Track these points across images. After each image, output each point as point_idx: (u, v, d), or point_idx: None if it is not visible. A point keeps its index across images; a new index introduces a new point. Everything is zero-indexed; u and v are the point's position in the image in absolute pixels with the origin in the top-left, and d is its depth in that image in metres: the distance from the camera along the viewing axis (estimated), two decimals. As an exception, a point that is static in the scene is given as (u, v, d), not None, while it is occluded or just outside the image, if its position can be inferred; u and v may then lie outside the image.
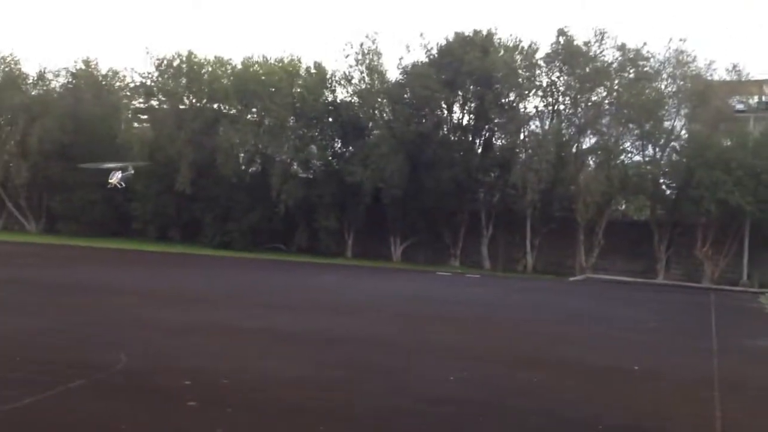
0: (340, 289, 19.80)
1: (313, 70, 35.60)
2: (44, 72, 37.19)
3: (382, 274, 27.39)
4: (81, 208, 34.60)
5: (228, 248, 32.60)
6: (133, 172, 31.36)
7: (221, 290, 17.51)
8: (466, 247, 33.77)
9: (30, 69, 38.25)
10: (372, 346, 10.34)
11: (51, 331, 9.93)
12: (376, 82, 34.71)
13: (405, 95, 33.97)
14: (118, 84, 37.81)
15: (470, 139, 35.03)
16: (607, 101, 32.64)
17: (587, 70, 32.13)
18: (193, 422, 5.87)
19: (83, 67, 37.12)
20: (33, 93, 36.97)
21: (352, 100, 35.34)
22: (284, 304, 15.35)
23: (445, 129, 34.78)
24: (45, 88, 37.47)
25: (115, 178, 29.90)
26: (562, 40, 32.32)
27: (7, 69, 36.71)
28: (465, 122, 35.02)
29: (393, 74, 35.52)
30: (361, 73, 34.85)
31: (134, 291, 15.95)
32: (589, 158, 32.72)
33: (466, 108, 34.78)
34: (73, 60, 37.58)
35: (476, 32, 34.28)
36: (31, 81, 37.40)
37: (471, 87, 33.57)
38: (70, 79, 37.27)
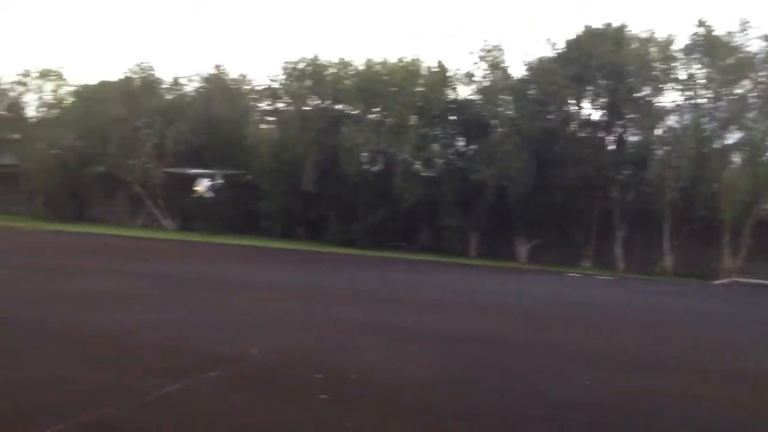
0: (465, 289, 19.68)
1: (434, 69, 36.11)
2: (178, 78, 39.84)
3: (507, 274, 27.19)
4: (211, 207, 36.60)
5: (351, 246, 33.42)
6: (222, 181, 32.96)
7: (347, 287, 17.97)
8: (598, 247, 32.96)
9: (165, 75, 40.93)
10: (501, 347, 10.22)
11: (188, 323, 10.52)
12: (499, 78, 34.74)
13: (530, 91, 33.71)
14: (246, 87, 39.77)
15: (601, 135, 34.26)
16: (752, 94, 31.11)
17: (730, 61, 30.77)
18: (324, 415, 6.09)
19: (214, 72, 39.44)
20: (168, 97, 39.63)
21: (475, 98, 35.52)
22: (410, 302, 15.42)
23: (574, 125, 34.24)
24: (179, 92, 40.06)
25: (202, 186, 31.59)
26: (701, 31, 31.18)
27: (144, 75, 39.52)
28: (595, 118, 34.32)
29: (516, 70, 35.57)
30: (484, 70, 35.06)
31: (264, 286, 16.68)
32: (734, 154, 31.16)
33: (596, 103, 34.04)
34: (205, 65, 39.69)
35: (607, 25, 33.60)
36: (166, 86, 40.07)
37: (601, 82, 32.94)
38: (202, 84, 39.63)
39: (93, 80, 41.29)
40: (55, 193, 38.84)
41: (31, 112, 42.05)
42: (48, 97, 41.33)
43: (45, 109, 41.43)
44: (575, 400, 7.12)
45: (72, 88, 41.19)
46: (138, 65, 39.50)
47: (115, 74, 40.53)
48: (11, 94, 41.65)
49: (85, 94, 40.07)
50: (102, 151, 38.00)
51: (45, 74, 40.78)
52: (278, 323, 11.02)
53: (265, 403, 6.43)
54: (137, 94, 38.64)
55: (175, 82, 39.88)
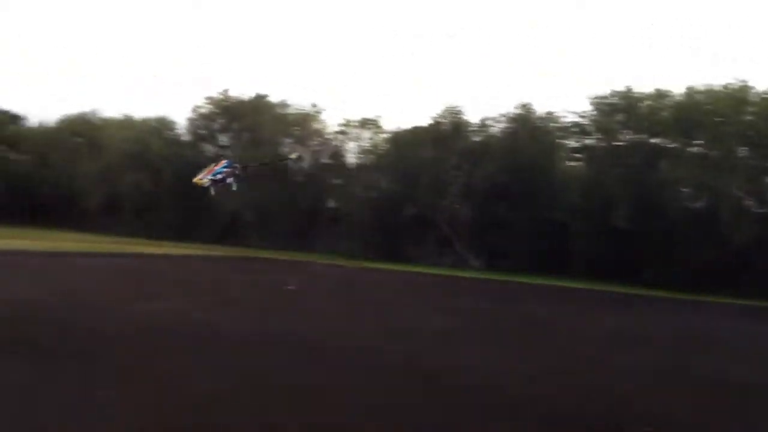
0: None
1: (766, 94, 33.67)
2: (485, 119, 42.10)
3: None
4: (519, 245, 37.62)
5: (668, 288, 31.96)
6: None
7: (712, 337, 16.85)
8: None
9: (473, 117, 43.36)
10: None
11: (542, 375, 9.87)
12: None
13: None
14: (553, 125, 40.67)
15: None
16: None
17: None
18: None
19: (521, 112, 41.00)
20: (475, 139, 42.07)
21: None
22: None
23: None
24: (486, 133, 42.30)
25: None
26: None
27: (453, 119, 42.47)
28: None
29: None
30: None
31: (600, 333, 16.30)
32: None
33: None
34: (511, 106, 41.43)
35: None
36: (473, 128, 42.59)
37: None
38: (509, 124, 41.40)
39: (406, 126, 45.28)
40: (370, 233, 42.99)
41: (350, 158, 47.33)
42: (365, 144, 46.26)
43: (363, 155, 46.35)
44: None
45: (387, 135, 45.65)
46: (447, 109, 42.56)
47: (426, 119, 43.60)
48: (334, 143, 47.41)
49: (398, 139, 44.15)
50: (413, 192, 41.30)
51: (363, 123, 45.80)
52: (660, 383, 10.01)
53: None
54: (446, 137, 41.59)
55: (482, 124, 42.16)
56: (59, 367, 8.18)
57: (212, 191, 20.78)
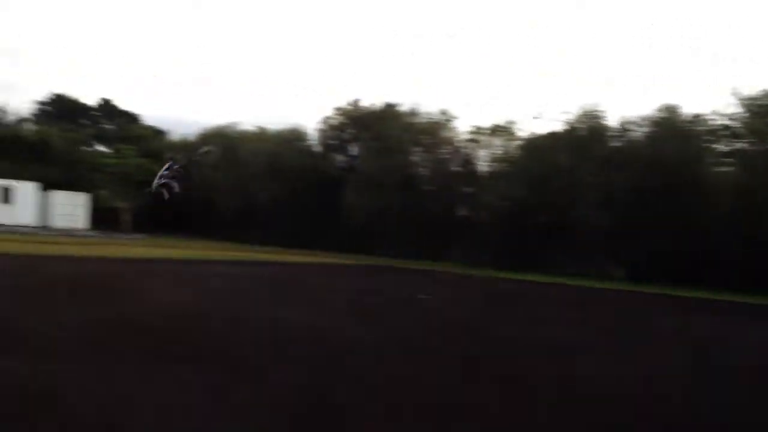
0: None
1: None
2: (625, 122, 40.52)
3: None
4: (660, 255, 35.86)
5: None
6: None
7: None
8: None
9: (612, 121, 41.86)
10: None
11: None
12: None
13: None
14: (699, 128, 38.59)
15: None
16: None
17: None
18: None
19: (665, 114, 39.15)
20: (615, 144, 40.59)
21: None
22: None
23: None
24: (626, 138, 40.71)
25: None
26: None
27: (592, 123, 41.19)
28: None
29: None
30: None
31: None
32: None
33: None
34: (655, 108, 39.54)
35: None
36: (613, 133, 41.11)
37: None
38: (652, 128, 39.65)
39: (541, 132, 44.50)
40: (502, 242, 42.37)
41: (482, 166, 46.94)
42: (498, 151, 45.73)
43: (495, 162, 45.85)
44: None
45: (520, 141, 44.96)
46: (584, 113, 41.33)
47: (562, 124, 42.62)
48: (465, 150, 47.21)
49: (531, 145, 43.37)
50: (548, 200, 40.35)
51: (495, 130, 45.34)
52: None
53: None
54: (583, 142, 40.39)
55: (623, 127, 40.65)
56: (203, 368, 8.41)
57: (165, 195, 20.89)
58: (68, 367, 7.92)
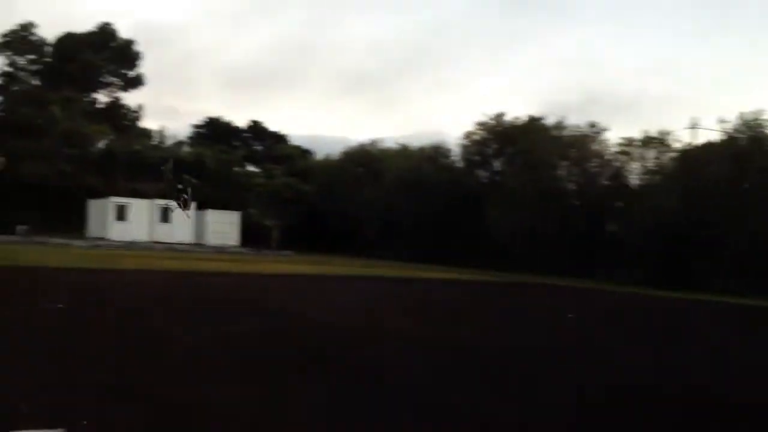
0: None
1: None
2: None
3: None
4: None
5: None
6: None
7: None
8: None
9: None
10: None
11: None
12: None
13: None
14: None
15: None
16: None
17: None
18: None
19: None
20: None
21: None
22: None
23: None
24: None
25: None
26: None
27: (752, 132, 38.73)
28: None
29: None
30: None
31: None
32: None
33: None
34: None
35: None
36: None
37: None
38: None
39: (697, 142, 42.40)
40: (654, 258, 40.50)
41: (633, 179, 45.26)
42: (650, 163, 43.91)
43: (647, 175, 44.06)
44: None
45: (674, 153, 42.97)
46: (744, 122, 38.96)
47: (720, 134, 40.39)
48: (615, 163, 45.69)
49: (687, 157, 41.32)
50: (704, 215, 38.25)
51: (647, 141, 43.56)
52: None
53: None
54: (743, 152, 38.03)
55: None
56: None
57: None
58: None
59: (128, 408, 6.59)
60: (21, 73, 64.91)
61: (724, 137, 39.84)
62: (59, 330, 11.00)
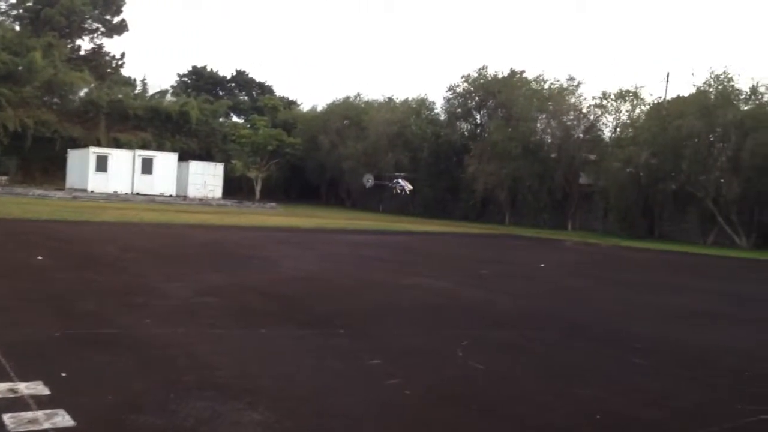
0: None
1: None
2: (757, 86, 41.21)
3: None
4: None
5: None
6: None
7: None
8: None
9: (743, 84, 42.55)
10: None
11: None
12: None
13: None
14: None
15: None
16: None
17: None
18: None
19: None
20: (744, 108, 41.42)
21: None
22: None
23: None
24: (757, 102, 41.44)
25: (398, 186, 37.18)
26: None
27: (720, 87, 42.17)
28: None
29: None
30: None
31: None
32: None
33: None
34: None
35: None
36: (743, 96, 41.95)
37: None
38: (786, 90, 40.20)
39: (668, 96, 45.72)
40: (627, 210, 44.30)
41: (607, 133, 48.97)
42: (623, 117, 47.58)
43: (620, 129, 47.74)
44: None
45: (646, 107, 46.54)
46: (713, 77, 42.32)
47: (691, 89, 43.74)
48: (590, 117, 49.31)
49: (658, 111, 44.85)
50: (674, 167, 41.84)
51: (621, 95, 47.12)
52: None
53: None
54: (712, 107, 41.44)
55: (753, 92, 41.35)
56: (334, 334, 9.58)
57: (397, 190, 50.68)
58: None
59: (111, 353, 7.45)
60: (1, 18, 67.49)
61: (696, 91, 43.13)
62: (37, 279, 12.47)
